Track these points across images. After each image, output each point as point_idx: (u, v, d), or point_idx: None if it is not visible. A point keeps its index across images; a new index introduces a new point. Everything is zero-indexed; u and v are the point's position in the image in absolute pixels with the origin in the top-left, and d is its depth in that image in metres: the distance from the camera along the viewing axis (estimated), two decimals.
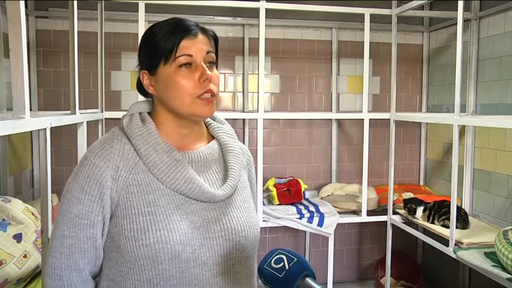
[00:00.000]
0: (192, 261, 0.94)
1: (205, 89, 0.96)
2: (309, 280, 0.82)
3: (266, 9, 2.55)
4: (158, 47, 0.96)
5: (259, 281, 0.90)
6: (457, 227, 2.23)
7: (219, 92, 1.01)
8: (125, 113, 1.04)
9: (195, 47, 0.96)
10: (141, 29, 2.42)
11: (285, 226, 2.72)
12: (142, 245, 0.91)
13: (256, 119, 2.63)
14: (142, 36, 1.02)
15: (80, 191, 0.94)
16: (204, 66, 0.96)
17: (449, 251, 2.17)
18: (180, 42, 0.95)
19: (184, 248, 0.93)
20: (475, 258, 1.99)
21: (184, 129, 1.02)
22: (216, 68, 1.02)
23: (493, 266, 1.88)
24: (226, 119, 1.17)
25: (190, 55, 0.95)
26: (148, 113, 1.04)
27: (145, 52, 1.01)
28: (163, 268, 0.92)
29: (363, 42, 2.72)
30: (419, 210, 2.56)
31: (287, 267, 0.83)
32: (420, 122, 3.38)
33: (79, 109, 2.04)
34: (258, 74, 2.66)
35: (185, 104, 0.96)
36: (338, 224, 2.76)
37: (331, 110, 3.31)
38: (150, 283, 0.93)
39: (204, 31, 1.00)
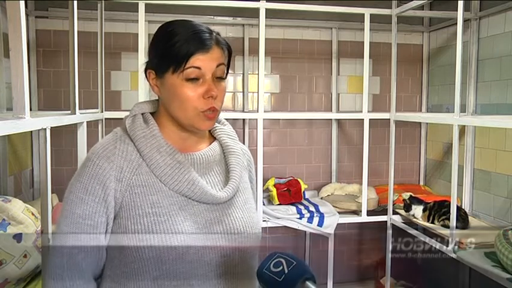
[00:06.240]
0: (195, 261, 0.94)
1: (208, 106, 0.96)
2: (308, 284, 0.81)
3: (266, 9, 2.55)
4: (169, 54, 0.95)
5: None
6: (457, 227, 2.23)
7: (222, 105, 1.00)
8: (127, 113, 1.03)
9: (206, 62, 0.95)
10: (141, 29, 2.42)
11: (285, 226, 2.72)
12: (146, 246, 0.91)
13: (256, 119, 2.63)
14: (156, 35, 1.00)
15: (84, 191, 0.94)
16: (212, 82, 0.95)
17: (449, 251, 2.17)
18: (192, 55, 0.93)
19: (187, 249, 0.93)
20: (475, 258, 1.99)
21: (186, 133, 1.02)
22: (227, 75, 1.01)
23: (493, 266, 1.88)
24: (226, 119, 1.16)
25: (199, 68, 0.94)
26: (152, 113, 1.04)
27: (155, 53, 0.99)
28: (167, 269, 0.92)
29: (363, 42, 2.72)
30: (419, 210, 2.56)
31: (286, 270, 0.82)
32: (420, 122, 3.38)
33: (79, 109, 2.04)
34: (258, 74, 2.66)
35: (187, 116, 0.97)
36: (338, 224, 2.76)
37: (331, 110, 3.30)
38: (153, 284, 0.93)
39: (218, 42, 0.98)
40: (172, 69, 0.95)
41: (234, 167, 1.06)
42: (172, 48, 0.94)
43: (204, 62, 0.94)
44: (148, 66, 1.01)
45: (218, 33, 1.00)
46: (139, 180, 0.96)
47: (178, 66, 0.94)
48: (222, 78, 0.99)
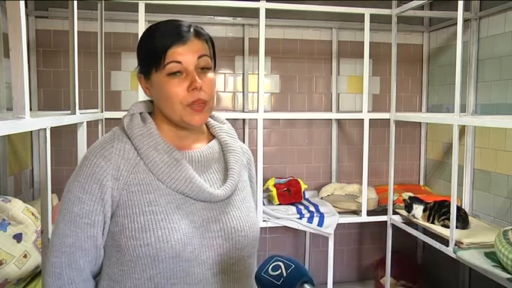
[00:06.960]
0: (192, 260, 0.94)
1: (194, 98, 0.95)
2: (307, 286, 0.82)
3: (266, 9, 2.55)
4: (150, 53, 0.96)
5: None
6: (457, 227, 2.23)
7: (213, 97, 1.00)
8: (126, 113, 1.04)
9: (186, 54, 0.94)
10: (141, 29, 2.41)
11: (285, 226, 2.72)
12: (143, 244, 0.92)
13: (256, 119, 2.63)
14: (139, 38, 1.02)
15: (81, 190, 0.94)
16: (195, 74, 0.95)
17: (449, 251, 2.17)
18: (169, 49, 0.94)
19: (184, 247, 0.93)
20: (475, 258, 1.99)
21: (183, 132, 1.03)
22: (215, 68, 1.01)
23: (493, 266, 1.88)
24: (226, 119, 1.16)
25: (179, 62, 0.94)
26: (150, 113, 1.05)
27: (140, 56, 1.01)
28: (164, 267, 0.93)
29: (363, 42, 2.72)
30: (419, 210, 2.56)
31: (284, 274, 0.82)
32: (420, 122, 3.38)
33: (79, 109, 2.04)
34: (258, 74, 2.66)
35: (175, 112, 0.96)
36: (338, 224, 2.76)
37: (331, 110, 3.30)
38: (150, 282, 0.93)
39: (198, 34, 0.98)
40: (155, 67, 0.95)
41: (233, 165, 1.06)
42: (151, 46, 0.96)
43: (183, 55, 0.94)
44: (139, 71, 1.03)
45: (200, 28, 1.00)
46: (136, 179, 0.96)
47: (159, 62, 0.94)
48: (207, 69, 0.98)
